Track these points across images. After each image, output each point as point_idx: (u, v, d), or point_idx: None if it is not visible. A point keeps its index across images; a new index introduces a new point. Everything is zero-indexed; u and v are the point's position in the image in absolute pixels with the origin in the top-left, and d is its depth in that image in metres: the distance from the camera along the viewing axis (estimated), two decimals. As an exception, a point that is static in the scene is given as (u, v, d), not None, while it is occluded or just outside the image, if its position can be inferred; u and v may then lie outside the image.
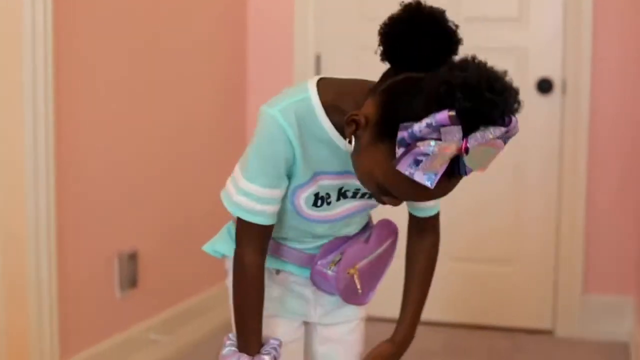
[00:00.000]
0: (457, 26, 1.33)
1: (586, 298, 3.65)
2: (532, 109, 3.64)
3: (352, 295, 1.62)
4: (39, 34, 2.54)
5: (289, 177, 1.47)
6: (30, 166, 2.57)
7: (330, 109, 1.42)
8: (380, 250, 1.64)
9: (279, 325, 1.64)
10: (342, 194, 1.53)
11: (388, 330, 1.70)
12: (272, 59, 3.87)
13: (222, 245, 1.67)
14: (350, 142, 1.35)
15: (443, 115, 1.21)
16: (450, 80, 1.22)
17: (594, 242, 3.64)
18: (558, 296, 3.68)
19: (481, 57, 1.28)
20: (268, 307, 1.57)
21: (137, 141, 3.09)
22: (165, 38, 3.24)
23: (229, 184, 1.52)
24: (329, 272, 1.58)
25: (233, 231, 1.60)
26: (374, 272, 1.64)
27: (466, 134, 1.23)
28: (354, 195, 1.54)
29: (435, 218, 1.66)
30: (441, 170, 1.26)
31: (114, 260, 2.98)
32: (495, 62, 1.28)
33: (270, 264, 1.58)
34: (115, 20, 2.92)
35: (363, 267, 1.61)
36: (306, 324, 1.70)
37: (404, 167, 1.25)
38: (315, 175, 1.47)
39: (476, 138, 1.24)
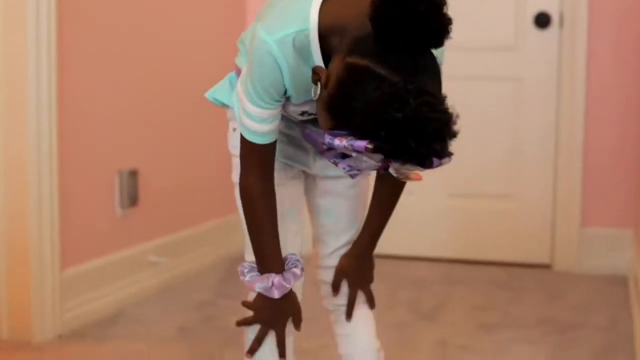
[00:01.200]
0: (450, 20, 1.28)
1: (584, 232, 3.67)
2: (529, 44, 3.67)
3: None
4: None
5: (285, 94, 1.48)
6: (33, 84, 2.59)
7: (327, 40, 1.38)
8: None
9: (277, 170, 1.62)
10: None
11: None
12: None
13: (223, 94, 1.68)
14: (316, 85, 1.37)
15: (361, 144, 1.26)
16: (381, 115, 1.23)
17: (592, 176, 3.65)
18: (556, 230, 3.70)
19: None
20: None
21: (140, 58, 3.11)
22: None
23: (235, 99, 1.53)
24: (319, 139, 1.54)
25: (234, 81, 1.62)
26: None
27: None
28: None
29: None
30: (366, 168, 1.34)
31: (114, 178, 3.00)
32: None
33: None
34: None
35: None
36: (307, 176, 1.71)
37: (329, 157, 1.34)
38: (306, 102, 1.49)
39: (395, 166, 1.29)
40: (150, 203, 3.20)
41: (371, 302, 1.75)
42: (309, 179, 1.72)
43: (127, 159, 3.07)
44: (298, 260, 1.61)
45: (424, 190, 3.73)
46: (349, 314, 1.73)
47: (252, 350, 1.62)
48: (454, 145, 1.37)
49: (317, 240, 1.75)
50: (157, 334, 2.75)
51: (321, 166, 1.67)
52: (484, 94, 3.73)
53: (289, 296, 1.61)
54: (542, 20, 3.63)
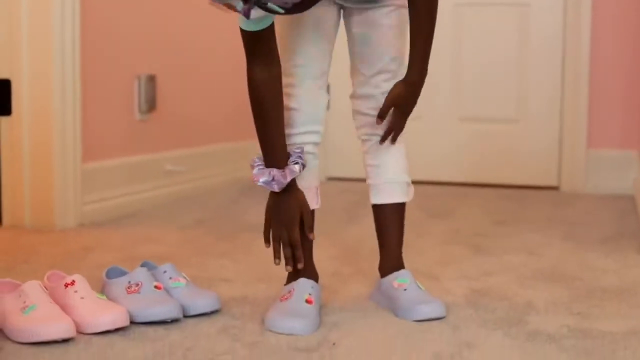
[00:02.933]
0: None
1: (591, 153, 3.73)
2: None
3: None
4: None
5: None
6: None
7: None
8: None
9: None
10: None
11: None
12: None
13: None
14: None
15: None
16: None
17: (598, 98, 3.72)
18: (563, 152, 3.76)
19: None
20: None
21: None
22: None
23: None
24: None
25: None
26: None
27: None
28: None
29: None
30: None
31: (133, 82, 3.07)
32: None
33: None
34: None
35: None
36: (345, 9, 1.77)
37: None
38: None
39: None
40: (168, 109, 3.27)
41: (396, 136, 1.79)
42: (345, 14, 1.78)
43: (146, 64, 3.14)
44: (300, 156, 1.67)
45: (432, 115, 3.80)
46: (383, 139, 1.78)
47: (276, 252, 1.69)
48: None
49: (352, 70, 1.81)
50: (175, 225, 2.82)
51: None
52: (491, 19, 3.81)
53: (293, 193, 1.68)
54: (549, -54, 3.71)
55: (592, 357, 1.49)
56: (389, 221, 1.82)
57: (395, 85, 1.75)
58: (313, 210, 1.76)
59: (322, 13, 1.72)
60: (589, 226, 2.89)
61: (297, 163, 1.66)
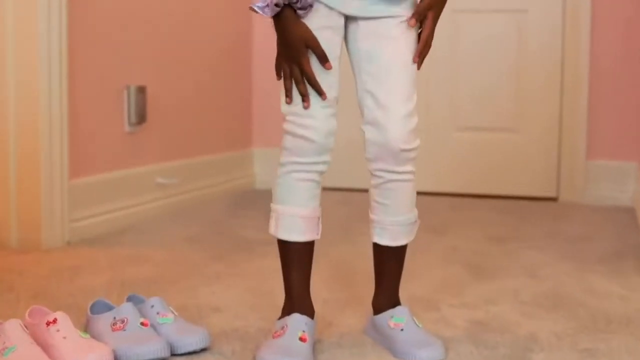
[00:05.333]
0: None
1: (590, 164, 3.67)
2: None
3: None
4: None
5: None
6: (44, 4, 2.58)
7: None
8: None
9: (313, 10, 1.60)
10: None
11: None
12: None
13: None
14: None
15: None
16: None
17: (597, 108, 3.66)
18: (562, 163, 3.70)
19: None
20: None
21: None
22: None
23: None
24: None
25: None
26: None
27: None
28: None
29: None
30: None
31: (122, 93, 2.99)
32: None
33: None
34: None
35: None
36: (349, 22, 1.65)
37: None
38: None
39: None
40: (158, 121, 3.19)
41: (426, 53, 1.65)
42: (350, 26, 1.65)
43: (136, 75, 3.06)
44: None
45: (428, 124, 3.73)
46: (417, 56, 1.64)
47: (287, 90, 1.61)
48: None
49: (361, 95, 1.66)
50: (166, 242, 2.74)
51: (362, 4, 1.62)
52: (489, 26, 3.74)
53: (294, 22, 1.58)
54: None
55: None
56: (391, 262, 1.73)
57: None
58: (313, 243, 1.69)
59: (329, 36, 1.62)
60: (589, 242, 2.83)
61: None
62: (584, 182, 3.66)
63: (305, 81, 1.60)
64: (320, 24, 1.61)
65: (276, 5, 1.56)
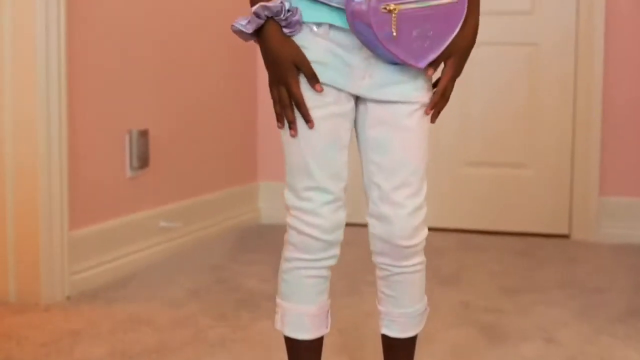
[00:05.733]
0: None
1: (603, 201, 3.58)
2: (546, 8, 3.61)
3: (392, 42, 1.40)
4: None
5: None
6: (42, 41, 2.51)
7: None
8: (433, 2, 1.43)
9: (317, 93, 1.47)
10: None
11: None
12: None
13: None
14: None
15: None
16: None
17: (610, 143, 3.57)
18: (574, 199, 3.61)
19: None
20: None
21: (152, 19, 3.02)
22: None
23: None
24: (363, 6, 1.38)
25: None
26: (427, 28, 1.44)
27: None
28: None
29: None
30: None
31: (124, 138, 2.91)
32: None
33: (307, 17, 1.46)
34: None
35: (410, 10, 1.41)
36: (358, 106, 1.53)
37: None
38: None
39: None
40: (161, 164, 3.11)
41: (443, 106, 1.54)
42: (359, 109, 1.53)
43: (138, 118, 2.98)
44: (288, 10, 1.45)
45: (438, 159, 3.65)
46: (432, 109, 1.52)
47: (278, 115, 1.48)
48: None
49: (367, 184, 1.55)
50: (168, 297, 2.66)
51: (371, 84, 1.49)
52: (500, 59, 3.65)
53: (280, 39, 1.45)
54: (560, -16, 3.55)
55: None
56: (401, 353, 1.65)
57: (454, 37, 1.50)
58: (322, 338, 1.61)
59: (339, 123, 1.49)
60: (605, 295, 2.74)
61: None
62: (596, 219, 3.57)
63: (294, 105, 1.46)
64: (329, 110, 1.48)
65: (256, 15, 1.43)
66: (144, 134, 2.97)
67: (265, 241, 3.48)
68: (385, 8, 1.39)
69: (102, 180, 2.82)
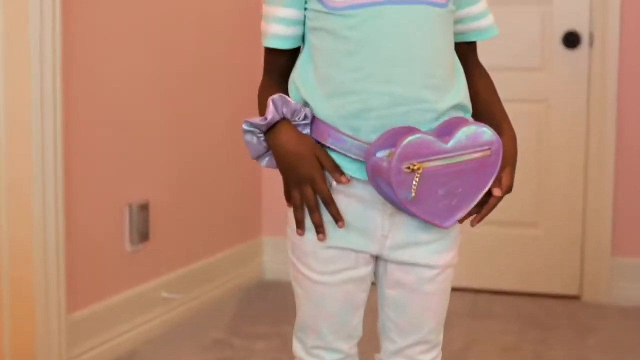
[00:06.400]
0: None
1: (615, 262, 3.50)
2: (557, 65, 3.51)
3: (413, 202, 1.29)
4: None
5: None
6: (37, 116, 2.43)
7: None
8: (463, 157, 1.31)
9: (334, 256, 1.37)
10: None
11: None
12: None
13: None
14: None
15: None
16: None
17: (622, 204, 3.49)
18: (585, 260, 3.53)
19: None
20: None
21: (148, 91, 2.95)
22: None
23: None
24: (384, 163, 1.26)
25: None
26: (454, 185, 1.32)
27: None
28: None
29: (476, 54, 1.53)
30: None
31: (124, 211, 2.84)
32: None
33: None
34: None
35: (433, 168, 1.28)
36: (378, 262, 1.42)
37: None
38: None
39: None
40: (162, 236, 3.04)
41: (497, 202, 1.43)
42: (379, 265, 1.43)
43: (137, 191, 2.91)
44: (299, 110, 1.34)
45: (446, 217, 3.57)
46: (478, 221, 1.45)
47: (299, 222, 1.34)
48: None
49: (382, 332, 1.47)
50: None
51: (393, 244, 1.38)
52: (510, 116, 3.55)
53: (297, 135, 1.32)
54: (571, 40, 3.45)
55: None
56: None
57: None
58: None
59: (354, 286, 1.39)
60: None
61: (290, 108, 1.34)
62: (608, 280, 3.49)
63: (321, 205, 1.32)
64: (346, 276, 1.38)
65: (274, 105, 1.32)
66: (144, 207, 2.90)
67: (271, 304, 3.40)
68: (408, 167, 1.27)
69: (100, 257, 2.74)
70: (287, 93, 1.38)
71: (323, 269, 1.37)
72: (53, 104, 2.47)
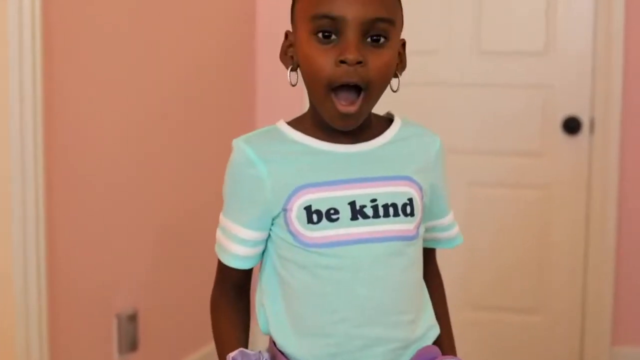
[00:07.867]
0: None
1: (615, 351, 3.42)
2: (558, 150, 3.42)
3: None
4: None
5: (270, 217, 1.33)
6: (19, 218, 2.34)
7: (296, 123, 1.37)
8: None
9: None
10: (358, 212, 1.30)
11: None
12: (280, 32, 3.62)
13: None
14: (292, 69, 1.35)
15: None
16: None
17: (623, 291, 3.41)
18: (585, 349, 3.45)
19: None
20: None
21: (133, 197, 2.85)
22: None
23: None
24: None
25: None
26: None
27: None
28: (376, 215, 1.30)
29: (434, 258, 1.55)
30: None
31: (112, 322, 2.74)
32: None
33: None
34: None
35: None
36: None
37: None
38: (296, 191, 1.30)
39: None
40: (151, 348, 2.94)
41: None
42: None
43: (125, 300, 2.81)
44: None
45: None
46: None
47: None
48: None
49: None
50: None
51: None
52: (509, 202, 3.47)
53: None
54: (572, 126, 3.37)
55: None
56: None
57: None
58: None
59: None
60: None
61: None
62: (608, 369, 3.42)
63: None
64: None
65: None
66: (132, 318, 2.80)
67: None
68: None
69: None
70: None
71: None
72: (36, 212, 2.37)
